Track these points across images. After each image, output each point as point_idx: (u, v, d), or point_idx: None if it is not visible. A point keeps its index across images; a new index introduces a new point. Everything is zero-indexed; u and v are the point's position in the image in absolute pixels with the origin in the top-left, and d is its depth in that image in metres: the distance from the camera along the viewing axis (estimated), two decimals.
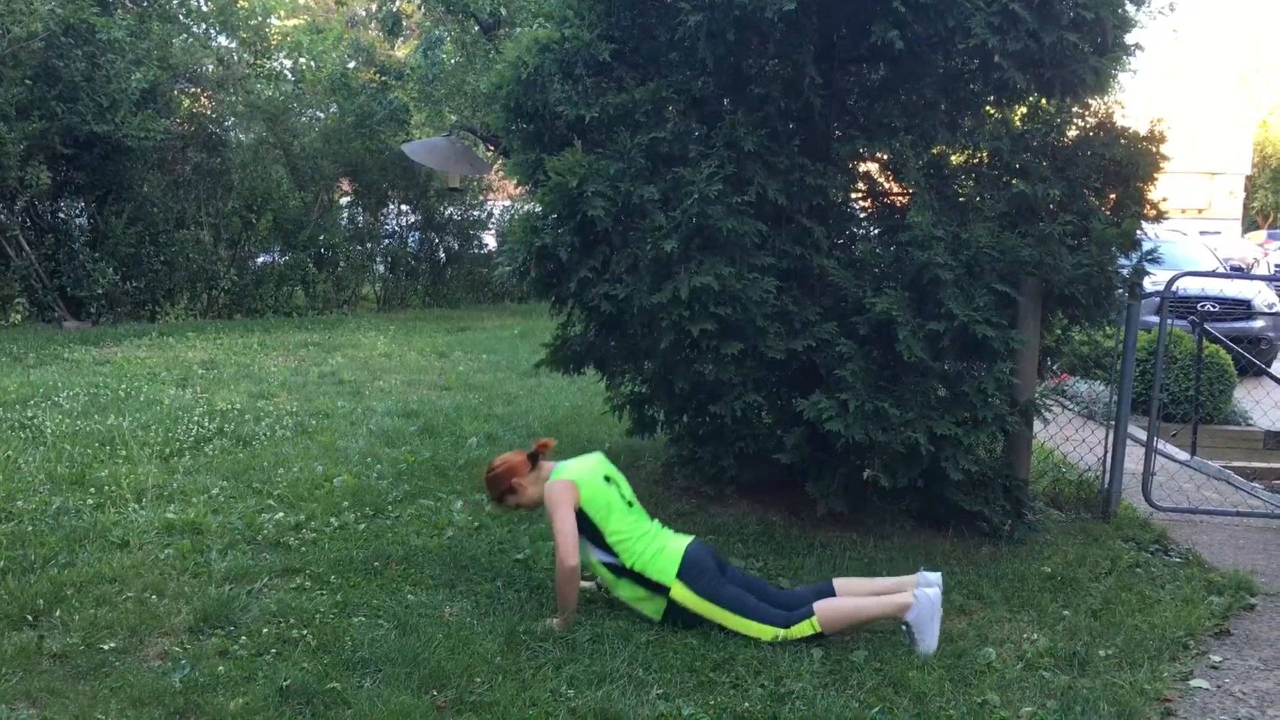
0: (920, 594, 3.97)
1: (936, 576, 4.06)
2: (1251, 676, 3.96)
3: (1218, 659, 4.10)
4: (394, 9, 19.46)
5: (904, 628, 4.02)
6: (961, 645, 4.03)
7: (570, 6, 5.75)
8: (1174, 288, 6.24)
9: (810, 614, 3.98)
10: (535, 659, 3.72)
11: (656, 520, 4.33)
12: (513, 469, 4.28)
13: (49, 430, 6.68)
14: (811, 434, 5.21)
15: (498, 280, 18.14)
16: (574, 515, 4.07)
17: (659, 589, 4.05)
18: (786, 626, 3.97)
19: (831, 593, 4.12)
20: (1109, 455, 6.04)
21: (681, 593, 4.03)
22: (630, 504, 4.26)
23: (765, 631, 3.97)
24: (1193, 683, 3.87)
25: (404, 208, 18.33)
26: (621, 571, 4.09)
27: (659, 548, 4.12)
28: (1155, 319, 6.33)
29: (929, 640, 3.94)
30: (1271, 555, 5.54)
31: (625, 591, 4.13)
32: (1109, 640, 4.15)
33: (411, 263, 18.27)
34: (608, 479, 4.26)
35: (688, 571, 4.05)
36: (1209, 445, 8.30)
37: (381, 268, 18.06)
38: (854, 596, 4.08)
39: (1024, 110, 5.77)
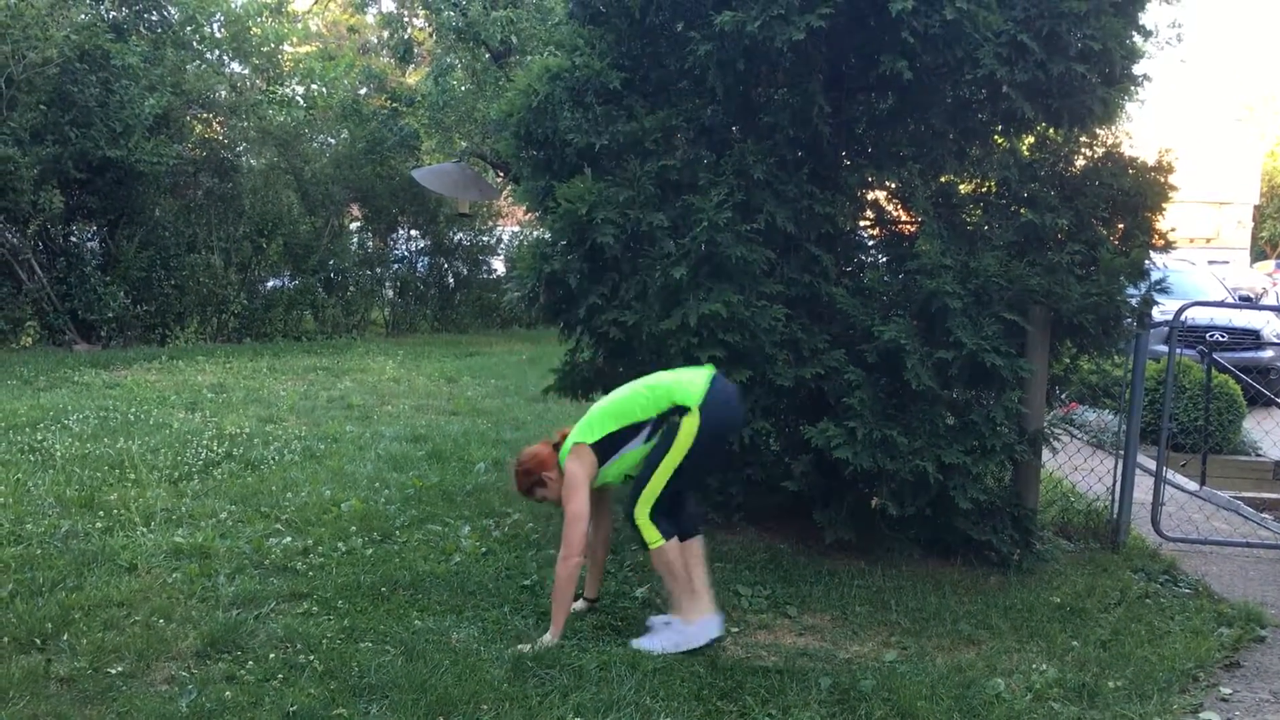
0: (710, 622, 4.14)
1: (719, 625, 4.20)
2: (1262, 710, 3.93)
3: (1228, 691, 4.07)
4: (406, 36, 19.63)
5: (665, 618, 4.16)
6: (970, 675, 4.01)
7: (581, 35, 5.80)
8: (1183, 317, 6.24)
9: (662, 538, 4.08)
10: (542, 686, 3.71)
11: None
12: (542, 462, 4.31)
13: (58, 453, 6.70)
14: (819, 461, 5.21)
15: (506, 306, 18.19)
16: (588, 495, 4.12)
17: (680, 411, 4.11)
18: (652, 524, 4.08)
19: (694, 534, 4.29)
20: (1118, 485, 6.02)
21: (692, 421, 4.08)
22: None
23: (644, 507, 4.08)
24: (1202, 715, 3.84)
25: (413, 233, 18.43)
26: (655, 427, 4.15)
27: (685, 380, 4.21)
28: (1164, 348, 6.32)
29: (652, 644, 4.07)
30: None
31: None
32: (1118, 672, 4.12)
33: (420, 288, 18.34)
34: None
35: (709, 413, 4.11)
36: (1218, 475, 8.26)
37: (390, 292, 18.14)
38: (693, 564, 4.21)
39: (1032, 140, 5.80)
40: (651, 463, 4.11)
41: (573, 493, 4.10)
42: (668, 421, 4.11)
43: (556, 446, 4.34)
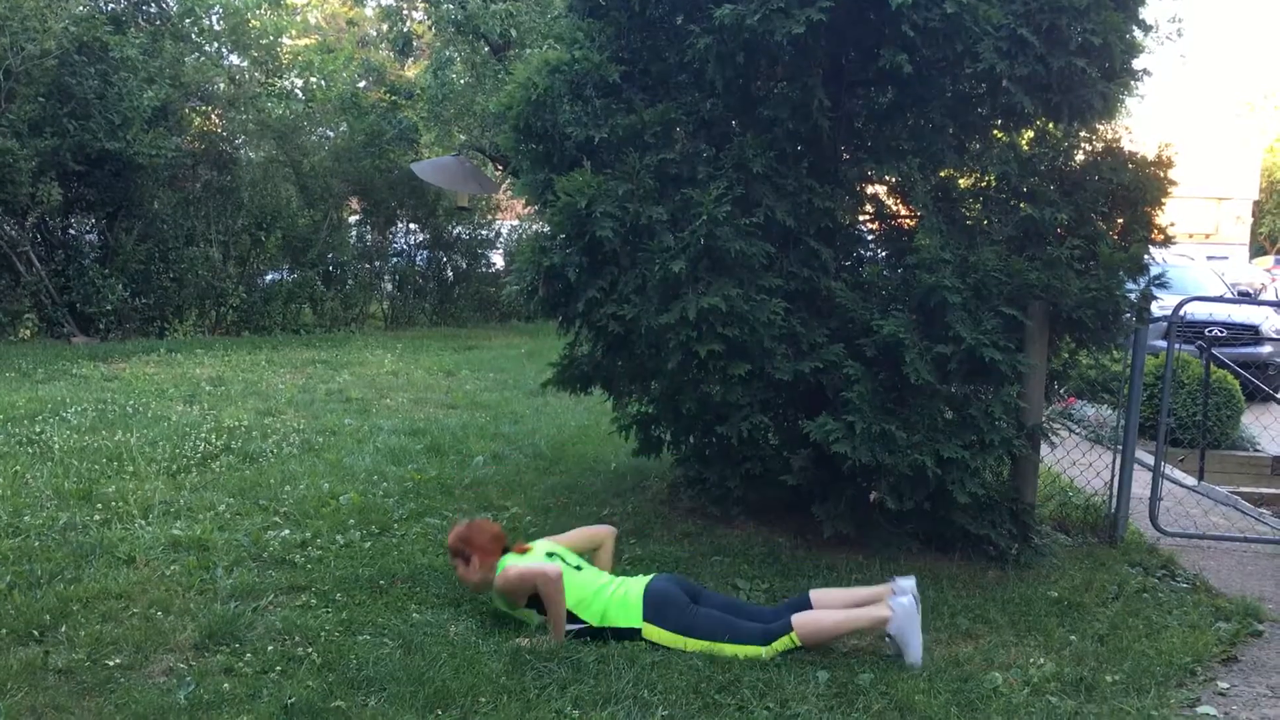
0: (896, 604, 4.01)
1: (910, 583, 4.10)
2: (1259, 704, 3.94)
3: (1225, 686, 4.08)
4: (405, 30, 19.61)
5: (887, 639, 4.05)
6: (968, 670, 4.01)
7: (580, 28, 5.79)
8: (1182, 312, 6.24)
9: (789, 628, 4.01)
10: (540, 679, 3.72)
11: (614, 574, 4.39)
12: (484, 549, 4.27)
13: (56, 446, 6.69)
14: (818, 456, 5.21)
15: (505, 299, 18.20)
16: (531, 591, 4.11)
17: (631, 634, 4.07)
18: (766, 644, 4.00)
19: (808, 604, 4.15)
20: (1116, 480, 6.02)
21: (653, 632, 4.06)
22: (579, 568, 4.30)
23: (745, 651, 3.98)
24: (1200, 709, 3.84)
25: (412, 226, 18.42)
26: (593, 634, 4.10)
27: (620, 596, 4.15)
28: (1163, 343, 6.33)
29: (914, 649, 3.98)
30: (1279, 581, 5.51)
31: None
32: (1116, 666, 4.13)
33: (419, 281, 18.33)
34: (550, 555, 4.30)
35: (652, 611, 4.08)
36: (1216, 470, 8.28)
37: (389, 286, 18.13)
38: (831, 609, 4.12)
39: (1032, 134, 5.79)
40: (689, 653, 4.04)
41: (518, 591, 4.12)
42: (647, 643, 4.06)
43: (507, 549, 4.33)
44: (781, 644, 3.99)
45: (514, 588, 4.12)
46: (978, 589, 4.97)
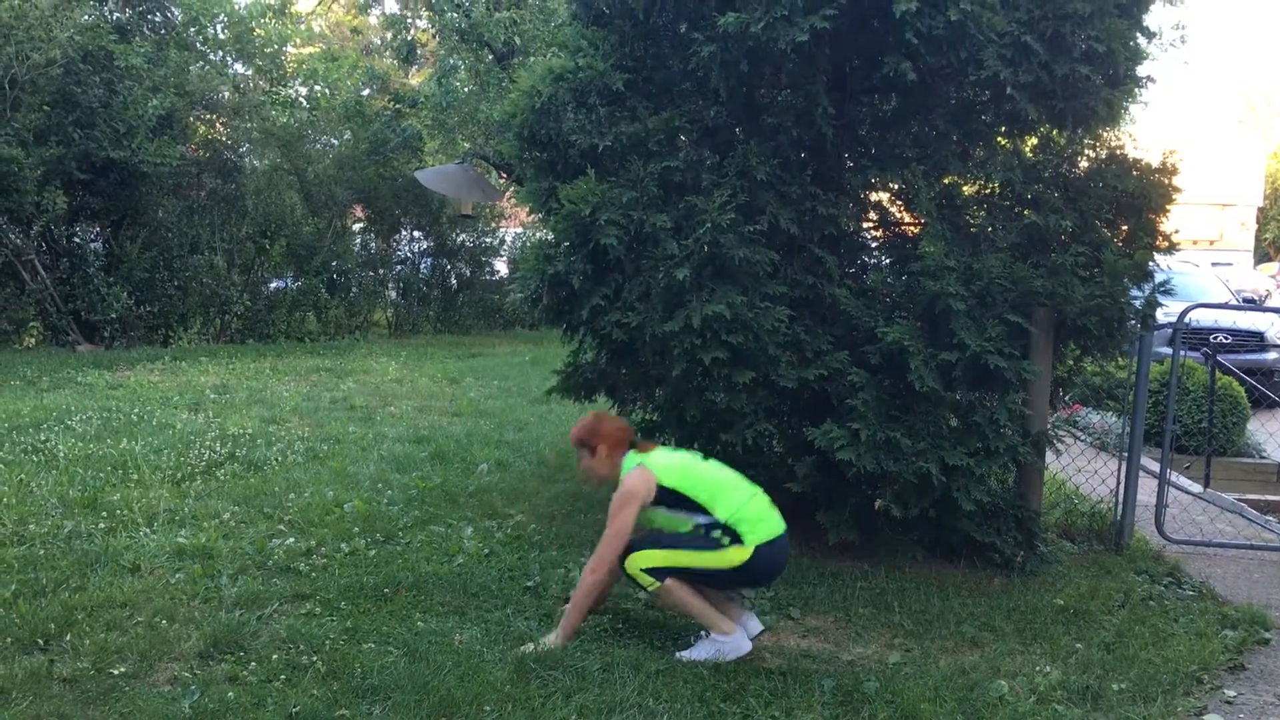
0: (738, 638, 4.09)
1: (755, 630, 4.18)
2: (1266, 712, 3.92)
3: (1232, 694, 4.07)
4: (409, 38, 19.65)
5: (701, 632, 4.12)
6: (974, 678, 4.00)
7: (584, 36, 5.80)
8: (1187, 319, 6.23)
9: (657, 581, 4.04)
10: (545, 688, 3.71)
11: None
12: (612, 439, 4.24)
13: (61, 454, 6.70)
14: (823, 463, 5.20)
15: (509, 307, 18.23)
16: (634, 518, 4.05)
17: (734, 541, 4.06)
18: (642, 576, 4.06)
19: None
20: (1121, 487, 6.01)
21: (739, 554, 4.03)
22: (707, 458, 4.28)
23: (635, 565, 4.05)
24: (1206, 718, 3.83)
25: (416, 234, 18.44)
26: (718, 526, 4.07)
27: (755, 511, 4.11)
28: (1168, 350, 6.31)
29: (694, 654, 4.05)
30: None
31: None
32: (1122, 674, 4.11)
33: (423, 289, 18.35)
34: (698, 455, 4.29)
35: (763, 551, 4.05)
36: (1222, 478, 8.25)
37: (393, 294, 18.16)
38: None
39: (1035, 141, 5.79)
40: (678, 543, 4.08)
41: (623, 508, 4.04)
42: (722, 530, 4.05)
43: (634, 444, 4.29)
44: (644, 580, 4.05)
45: (636, 496, 4.07)
46: (983, 597, 4.96)
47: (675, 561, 4.05)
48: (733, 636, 4.07)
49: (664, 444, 4.49)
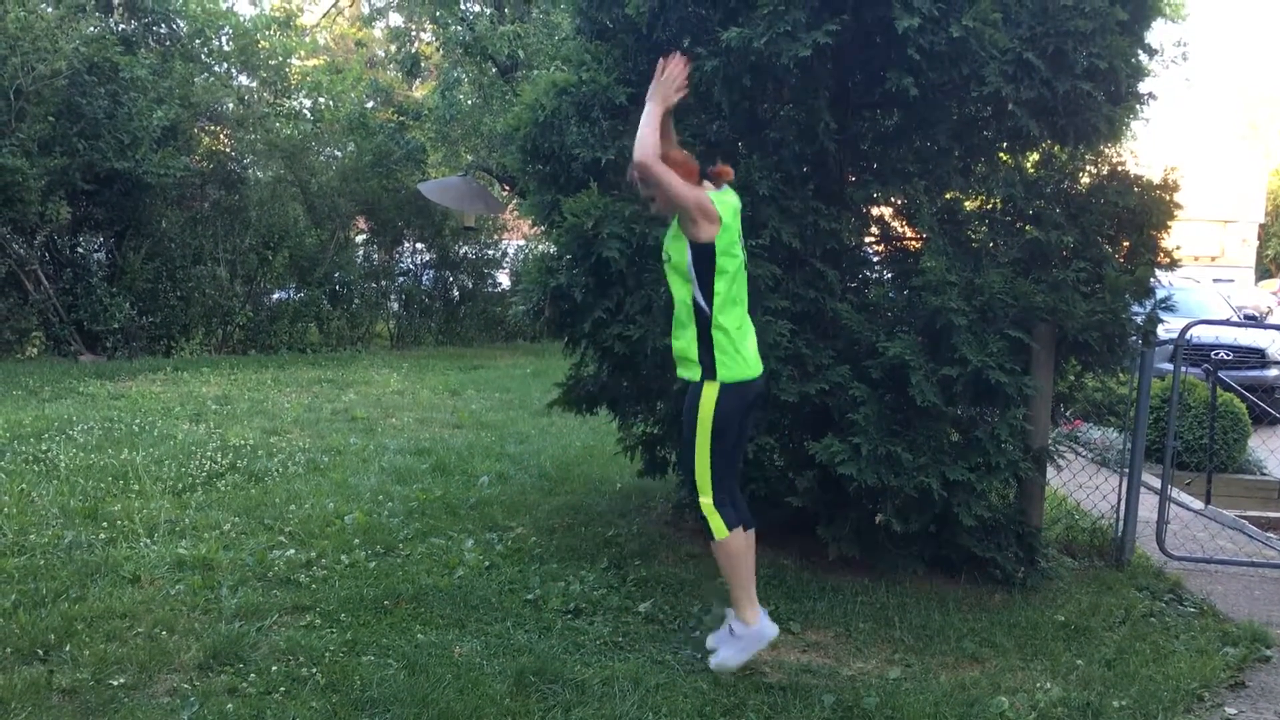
0: (763, 626, 4.07)
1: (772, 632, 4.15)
2: None
3: (1233, 711, 4.05)
4: (413, 51, 19.72)
5: (728, 623, 4.10)
6: (974, 694, 3.99)
7: (587, 51, 5.82)
8: (1188, 335, 6.23)
9: (729, 526, 4.04)
10: (545, 701, 3.71)
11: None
12: (683, 165, 4.08)
13: (62, 464, 6.71)
14: (823, 477, 5.20)
15: (511, 319, 18.20)
16: (675, 180, 3.92)
17: (708, 370, 4.01)
18: (717, 512, 4.02)
19: (752, 524, 4.22)
20: (1122, 503, 6.00)
21: (710, 391, 3.99)
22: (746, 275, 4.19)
23: (705, 494, 4.02)
24: None
25: (419, 246, 18.48)
26: (703, 325, 4.00)
27: (740, 345, 4.07)
28: (1169, 366, 6.32)
29: (726, 658, 4.03)
30: None
31: (681, 344, 4.08)
32: (1123, 691, 4.11)
33: (425, 301, 18.37)
34: (739, 229, 4.16)
35: (729, 390, 4.00)
36: (1223, 494, 8.24)
37: (395, 305, 18.18)
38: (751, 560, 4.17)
39: (1037, 157, 5.80)
40: (687, 440, 4.04)
41: (683, 181, 3.93)
42: (700, 369, 3.99)
43: (706, 174, 4.14)
44: (716, 525, 4.04)
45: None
46: (983, 612, 4.95)
47: (703, 459, 3.98)
48: (756, 626, 4.04)
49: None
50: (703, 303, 4.00)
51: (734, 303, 4.07)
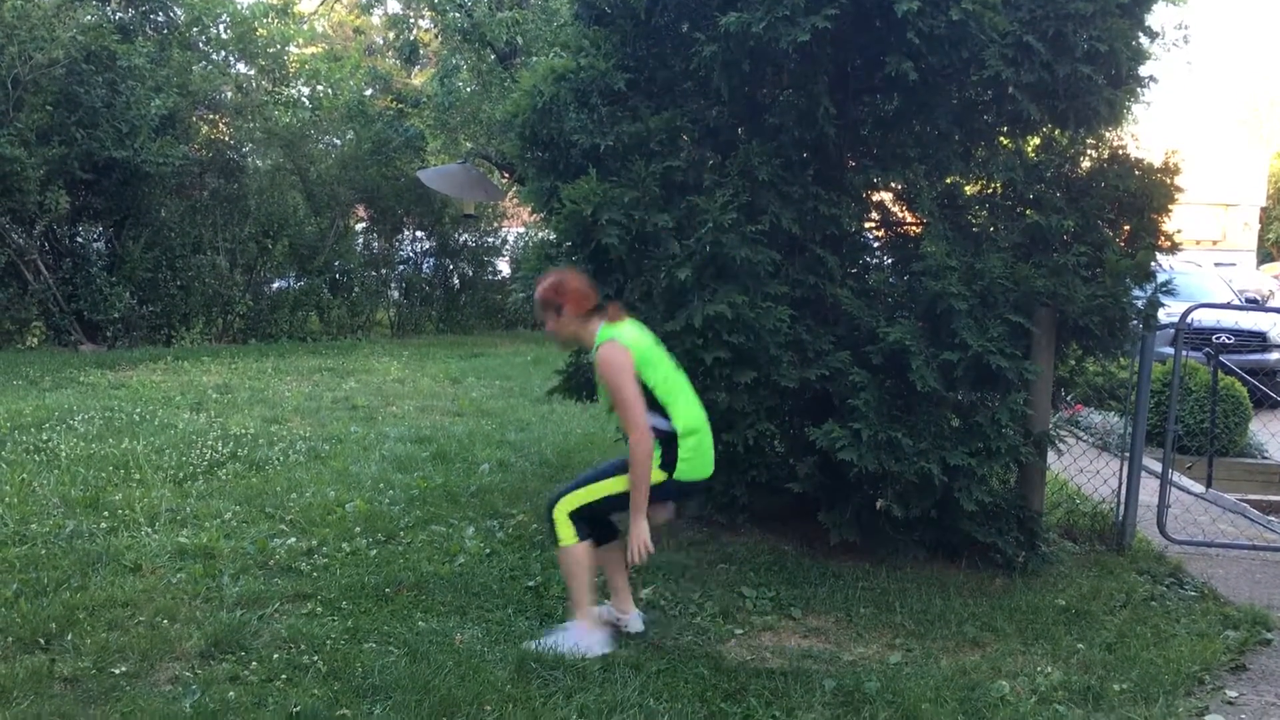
0: (600, 638, 4.08)
1: (636, 628, 4.20)
2: (1268, 713, 3.91)
3: (1233, 694, 4.06)
4: (411, 38, 19.64)
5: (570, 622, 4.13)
6: (975, 678, 4.00)
7: (586, 36, 5.80)
8: (1189, 319, 6.22)
9: (575, 538, 4.05)
10: (546, 688, 3.71)
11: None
12: (576, 296, 4.11)
13: (63, 453, 6.71)
14: (824, 463, 5.20)
15: (511, 307, 18.23)
16: (635, 381, 3.97)
17: (668, 464, 4.03)
18: (570, 524, 4.06)
19: (614, 537, 4.23)
20: (1123, 487, 6.00)
21: (658, 478, 4.01)
22: (678, 367, 4.23)
23: (569, 508, 4.07)
24: (1208, 718, 3.83)
25: (419, 234, 18.45)
26: (669, 441, 4.02)
27: (705, 445, 4.13)
28: (1170, 350, 6.31)
29: (555, 641, 4.05)
30: None
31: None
32: (1124, 674, 4.11)
33: (426, 289, 18.36)
34: (657, 342, 4.23)
35: (676, 484, 4.06)
36: (1224, 478, 8.24)
37: (396, 293, 18.17)
38: (614, 567, 4.25)
39: (1038, 141, 5.78)
40: (599, 474, 4.08)
41: (619, 378, 3.94)
42: (664, 446, 4.01)
43: (598, 305, 4.16)
44: (562, 530, 4.06)
45: (622, 364, 3.97)
46: (984, 597, 4.96)
47: (599, 493, 4.05)
48: (594, 634, 4.05)
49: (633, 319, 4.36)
50: (659, 424, 4.03)
51: (677, 393, 4.10)
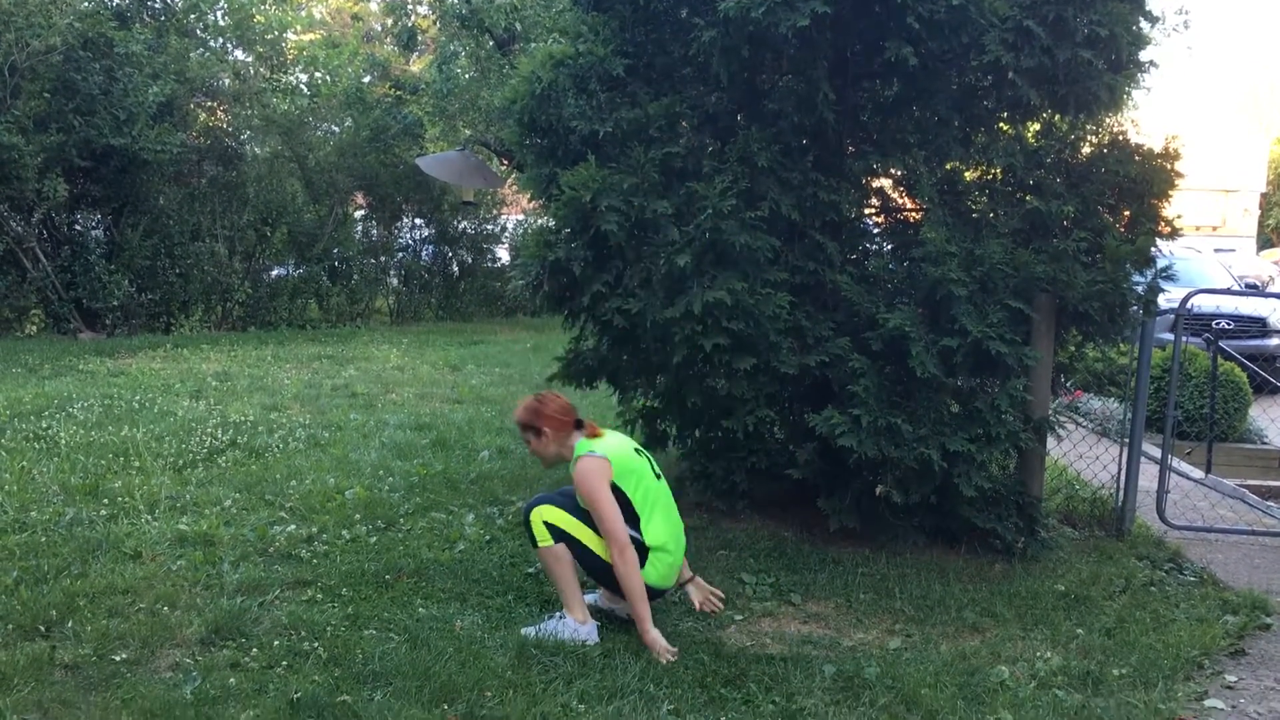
0: (590, 629, 4.09)
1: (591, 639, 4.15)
2: (1267, 697, 3.92)
3: (1233, 679, 4.07)
4: (409, 24, 19.58)
5: (559, 613, 4.13)
6: (975, 663, 4.01)
7: (584, 22, 5.78)
8: (1189, 305, 6.22)
9: (553, 540, 4.08)
10: (546, 673, 3.72)
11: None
12: (554, 419, 4.20)
13: (63, 441, 6.70)
14: (824, 449, 5.20)
15: (511, 294, 18.22)
16: (611, 493, 4.02)
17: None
18: (545, 527, 4.10)
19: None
20: (1123, 473, 6.01)
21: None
22: (658, 476, 4.26)
23: (539, 518, 4.11)
24: (1207, 703, 3.83)
25: (418, 221, 18.42)
26: (640, 550, 4.05)
27: (675, 562, 4.18)
28: (1170, 336, 6.30)
29: (547, 629, 4.06)
30: None
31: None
32: (1123, 659, 4.12)
33: (425, 276, 18.35)
34: (637, 450, 4.26)
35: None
36: (1224, 463, 8.25)
37: (395, 281, 18.16)
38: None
39: (1038, 127, 5.77)
40: (589, 521, 4.08)
41: (596, 491, 4.01)
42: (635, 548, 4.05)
43: (578, 422, 4.25)
44: (539, 532, 4.09)
45: (597, 477, 4.03)
46: (984, 582, 4.96)
47: (580, 534, 4.07)
48: (585, 626, 4.06)
49: (614, 427, 4.43)
50: (634, 533, 4.06)
51: (654, 507, 4.13)
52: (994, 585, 4.92)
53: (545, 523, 4.08)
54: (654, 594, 4.11)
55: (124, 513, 5.31)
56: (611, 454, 4.11)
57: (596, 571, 4.12)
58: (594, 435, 4.23)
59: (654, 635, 3.97)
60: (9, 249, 12.97)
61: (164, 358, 11.29)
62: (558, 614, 4.12)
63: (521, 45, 16.47)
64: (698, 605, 4.40)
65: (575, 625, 4.05)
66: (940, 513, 5.27)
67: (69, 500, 5.46)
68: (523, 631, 4.05)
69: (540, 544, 4.08)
